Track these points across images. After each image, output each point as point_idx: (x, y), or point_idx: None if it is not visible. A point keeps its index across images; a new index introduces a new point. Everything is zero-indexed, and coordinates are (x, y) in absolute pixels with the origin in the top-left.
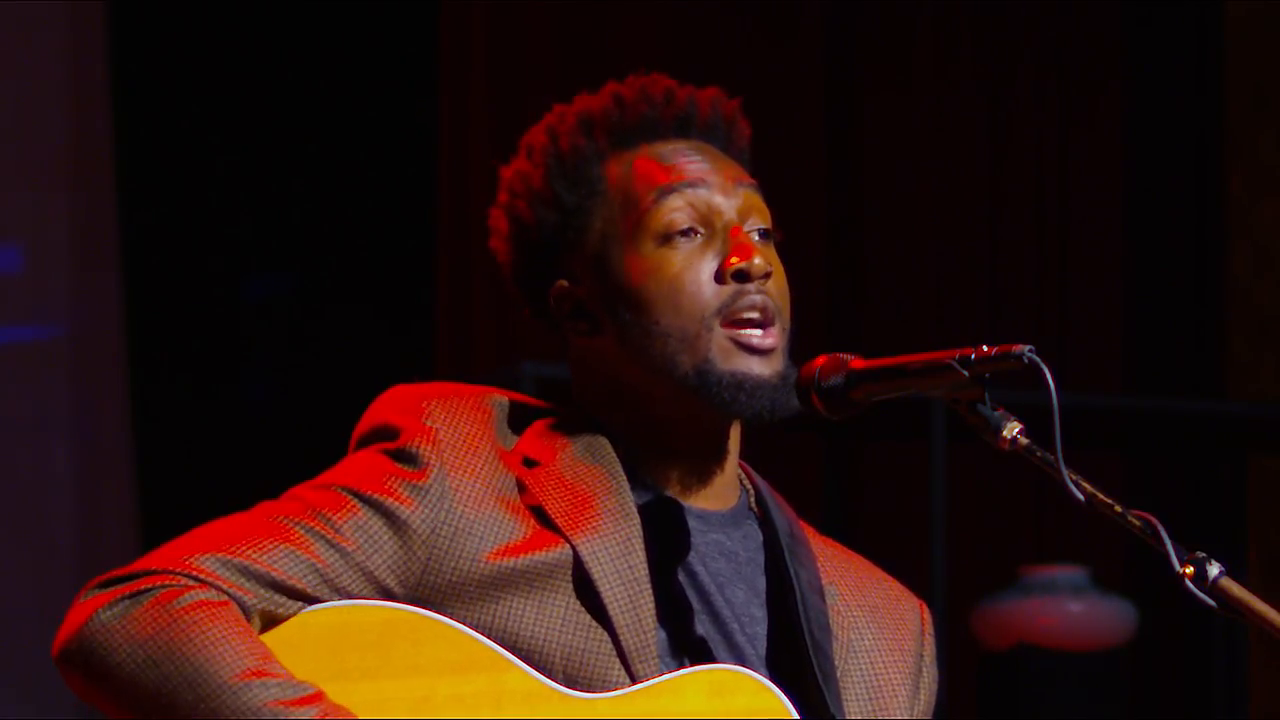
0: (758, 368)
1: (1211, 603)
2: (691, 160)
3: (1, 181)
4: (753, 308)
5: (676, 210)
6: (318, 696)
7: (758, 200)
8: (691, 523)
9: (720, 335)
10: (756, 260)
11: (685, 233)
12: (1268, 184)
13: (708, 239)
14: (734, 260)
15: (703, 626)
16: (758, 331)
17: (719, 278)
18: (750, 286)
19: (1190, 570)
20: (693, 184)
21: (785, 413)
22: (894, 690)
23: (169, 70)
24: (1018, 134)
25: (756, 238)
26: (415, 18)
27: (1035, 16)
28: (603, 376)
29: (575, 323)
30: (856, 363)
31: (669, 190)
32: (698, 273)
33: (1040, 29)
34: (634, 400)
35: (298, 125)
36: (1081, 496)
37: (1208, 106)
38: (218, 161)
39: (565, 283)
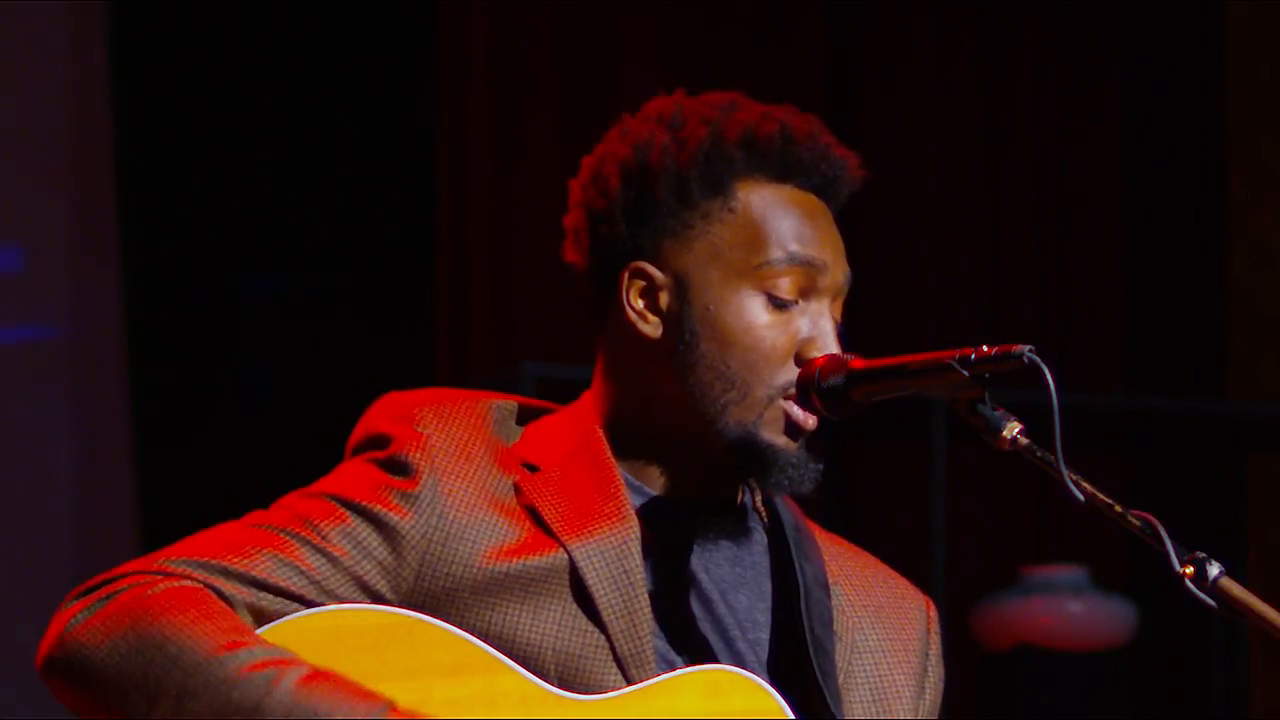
0: (793, 445)
1: (1211, 603)
2: (822, 232)
3: (1, 181)
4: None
5: (791, 280)
6: (298, 660)
7: (847, 288)
8: (695, 527)
9: (777, 407)
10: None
11: (788, 303)
12: (1268, 184)
13: (800, 311)
14: (813, 351)
15: (704, 631)
16: (800, 412)
17: (797, 359)
18: None
19: (1190, 570)
20: (813, 261)
21: (802, 493)
22: (899, 691)
23: (169, 69)
24: (1018, 134)
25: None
26: (414, 18)
27: (1035, 16)
28: (637, 370)
29: (641, 310)
30: (856, 363)
31: (795, 260)
32: (783, 341)
33: (1040, 29)
34: (661, 407)
35: (297, 125)
36: (1081, 496)
37: (1208, 106)
38: (217, 161)
39: (651, 268)
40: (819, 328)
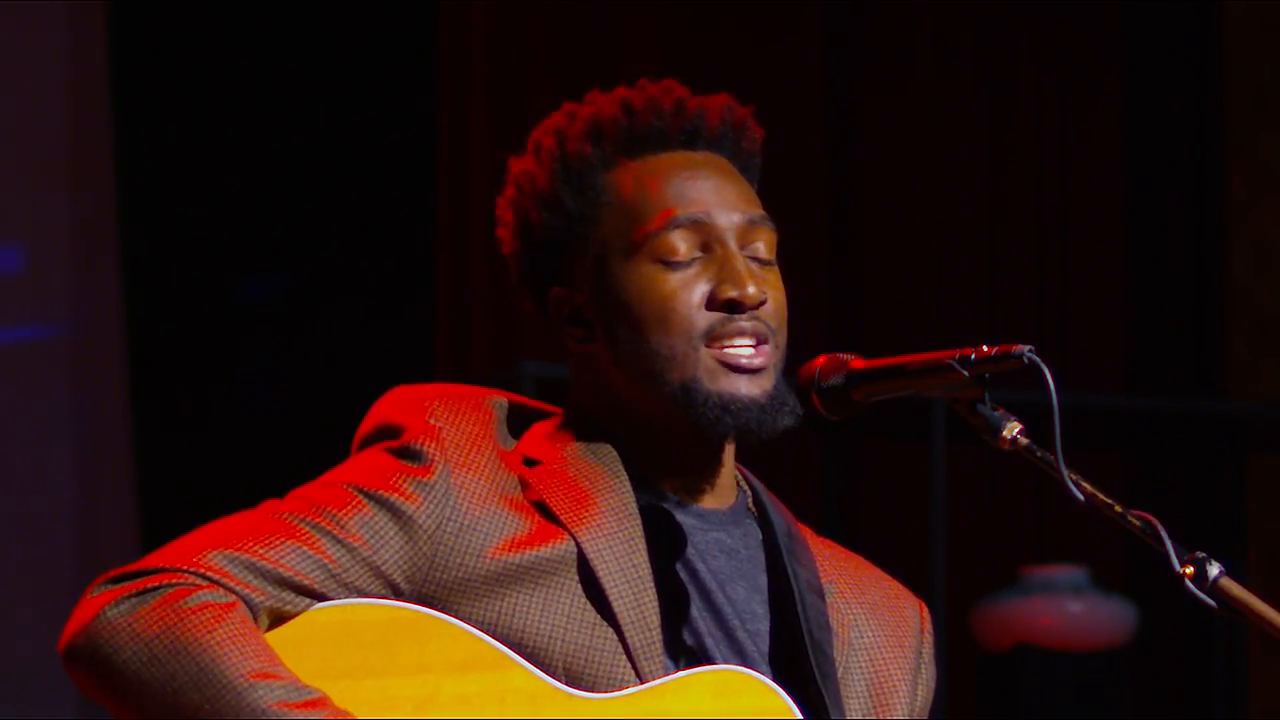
0: (745, 388)
1: (1211, 603)
2: (697, 181)
3: (1, 181)
4: (740, 334)
5: (678, 238)
6: (324, 701)
7: (761, 221)
8: (691, 521)
9: (706, 355)
10: (750, 290)
11: (684, 261)
12: (1268, 184)
13: (705, 262)
14: (727, 290)
15: (704, 623)
16: (747, 350)
17: (710, 303)
18: (740, 316)
19: (1190, 570)
20: (695, 211)
21: (771, 433)
22: (894, 687)
23: (169, 70)
24: (1018, 134)
25: (755, 265)
26: (415, 17)
27: (1035, 16)
28: (599, 382)
29: (572, 329)
30: (856, 363)
31: (671, 217)
32: (690, 295)
33: (1040, 29)
34: (629, 408)
35: (298, 125)
36: (1081, 496)
37: (1208, 106)
38: (218, 161)
39: (566, 288)
40: (729, 268)
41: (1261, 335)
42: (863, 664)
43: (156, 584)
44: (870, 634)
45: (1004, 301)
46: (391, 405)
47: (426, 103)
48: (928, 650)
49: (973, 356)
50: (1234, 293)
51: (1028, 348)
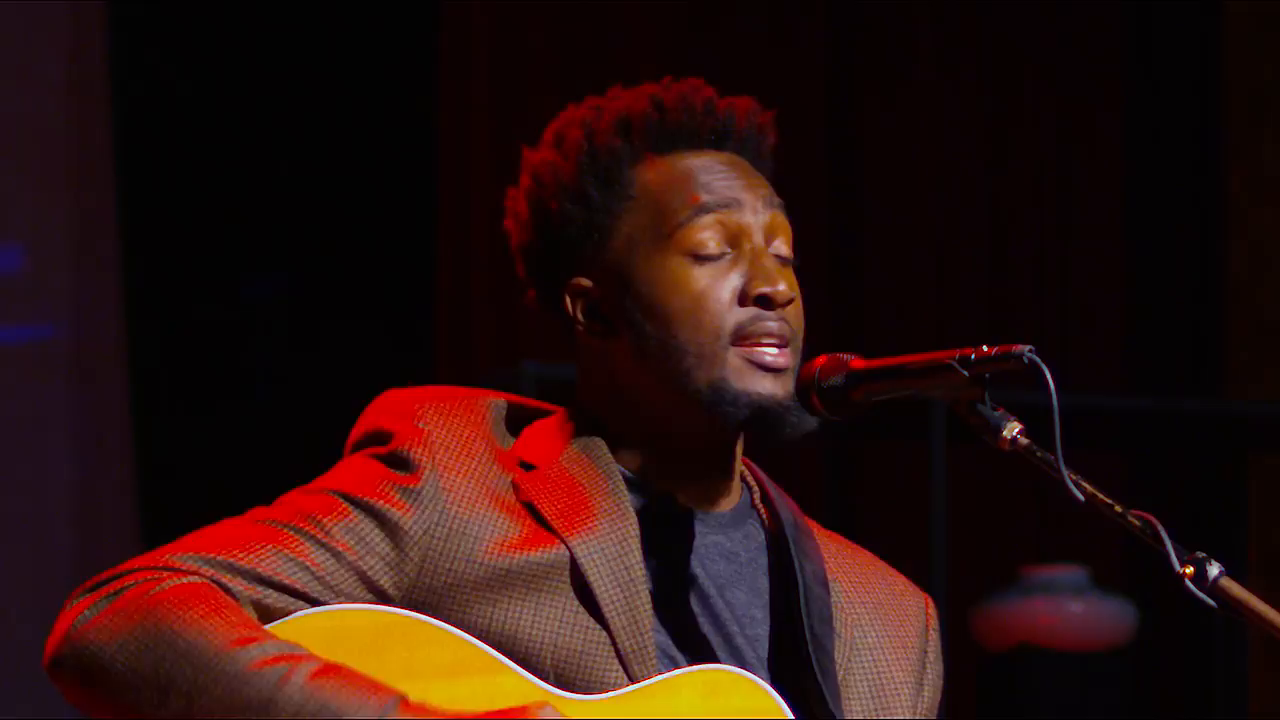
0: (770, 386)
1: (1211, 603)
2: (726, 178)
3: (1, 181)
4: (770, 333)
5: (707, 230)
6: (312, 655)
7: (784, 221)
8: (691, 523)
9: (734, 354)
10: (781, 287)
11: (714, 255)
12: (1268, 185)
13: (734, 259)
14: (759, 285)
15: (703, 628)
16: (773, 350)
17: (741, 299)
18: (771, 313)
19: (1190, 570)
20: (726, 204)
21: (796, 434)
22: (897, 688)
23: (169, 70)
24: (1019, 134)
25: (779, 263)
26: (415, 18)
27: (1036, 19)
28: (611, 378)
29: (590, 323)
30: (856, 363)
31: (702, 210)
32: (721, 291)
33: (1040, 31)
34: (641, 405)
35: (298, 125)
36: (1081, 496)
37: (1208, 108)
38: (218, 161)
39: (584, 281)
40: (759, 264)
41: (1261, 336)
42: (865, 664)
43: (129, 583)
44: (874, 634)
45: (1004, 301)
46: (381, 410)
47: (427, 102)
48: (933, 648)
49: (973, 357)
50: (1234, 293)
51: (1028, 348)
